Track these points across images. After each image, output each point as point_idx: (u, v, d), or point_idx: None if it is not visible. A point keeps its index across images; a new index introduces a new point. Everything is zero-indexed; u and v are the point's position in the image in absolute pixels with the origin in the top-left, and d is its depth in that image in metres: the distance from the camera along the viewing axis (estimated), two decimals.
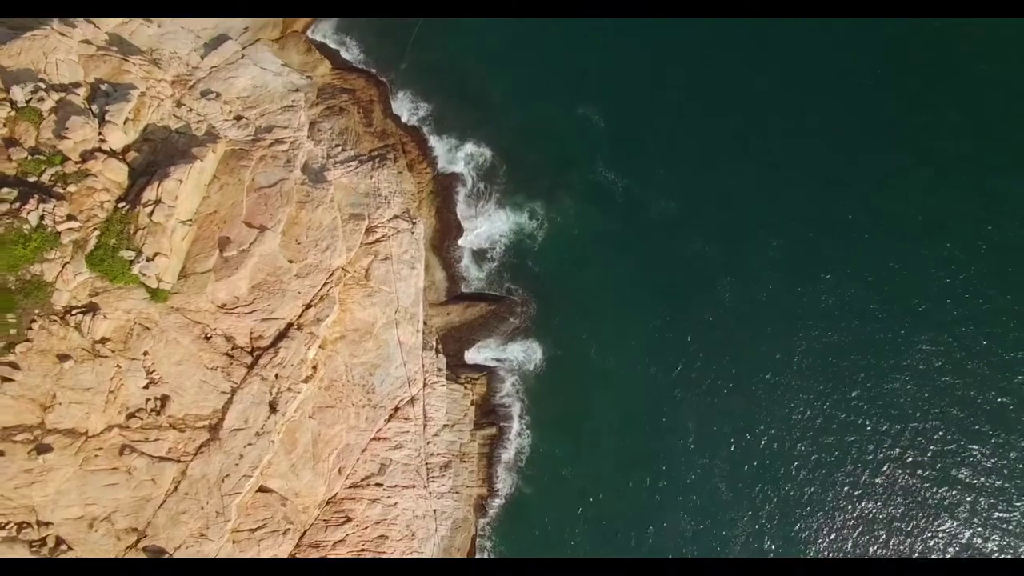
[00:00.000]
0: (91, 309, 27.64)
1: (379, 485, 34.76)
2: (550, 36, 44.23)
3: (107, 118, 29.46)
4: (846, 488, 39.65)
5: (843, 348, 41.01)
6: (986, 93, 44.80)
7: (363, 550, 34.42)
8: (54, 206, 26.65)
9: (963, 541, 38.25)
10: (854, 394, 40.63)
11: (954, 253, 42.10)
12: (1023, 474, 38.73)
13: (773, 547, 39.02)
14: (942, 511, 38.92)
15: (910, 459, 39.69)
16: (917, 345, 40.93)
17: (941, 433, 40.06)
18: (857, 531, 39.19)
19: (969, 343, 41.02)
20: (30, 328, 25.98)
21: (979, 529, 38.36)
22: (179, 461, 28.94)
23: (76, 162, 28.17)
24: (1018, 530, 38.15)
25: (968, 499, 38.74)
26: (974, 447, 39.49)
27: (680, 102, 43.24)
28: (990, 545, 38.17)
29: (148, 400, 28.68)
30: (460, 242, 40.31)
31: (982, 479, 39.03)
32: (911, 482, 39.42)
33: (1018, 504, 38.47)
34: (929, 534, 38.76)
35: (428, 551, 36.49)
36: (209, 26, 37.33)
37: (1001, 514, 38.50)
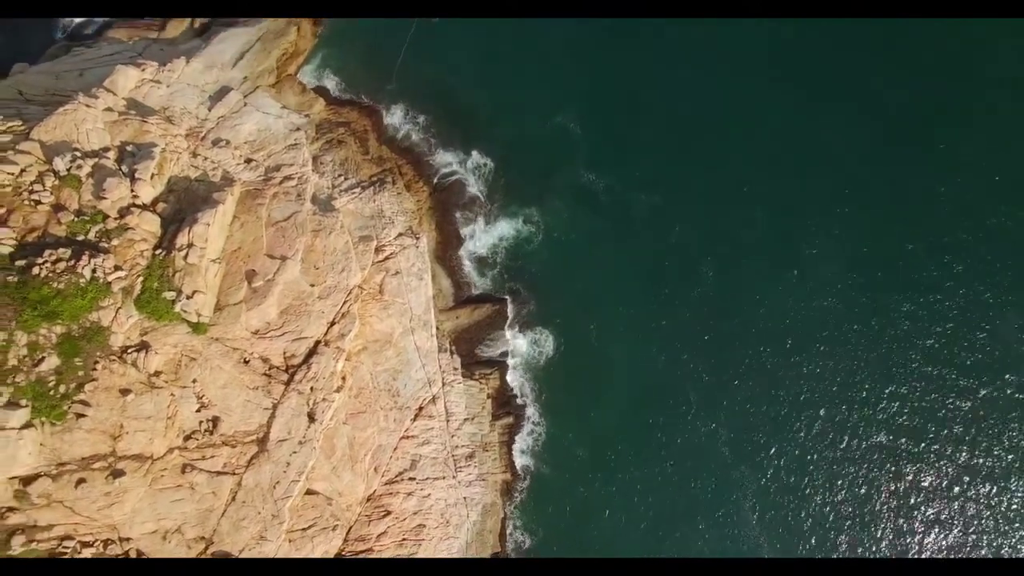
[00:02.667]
0: (143, 347, 31.02)
1: (412, 479, 38.15)
2: (522, 48, 47.23)
3: (136, 176, 32.83)
4: (843, 448, 42.98)
5: (825, 318, 44.43)
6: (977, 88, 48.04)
7: (404, 539, 37.79)
8: (103, 259, 29.99)
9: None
10: (841, 359, 43.97)
11: (939, 233, 45.24)
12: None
13: (775, 501, 42.51)
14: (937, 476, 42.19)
15: (902, 421, 43.02)
16: (899, 316, 44.22)
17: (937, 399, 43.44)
18: (853, 490, 42.77)
19: (960, 315, 44.27)
20: (94, 369, 29.33)
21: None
22: (234, 474, 32.35)
23: (115, 218, 31.54)
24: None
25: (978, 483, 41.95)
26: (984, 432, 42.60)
27: (648, 101, 46.53)
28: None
29: (201, 422, 32.07)
30: (461, 251, 43.72)
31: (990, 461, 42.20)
32: (901, 445, 42.85)
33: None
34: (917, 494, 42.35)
35: (463, 536, 39.81)
36: (211, 80, 40.77)
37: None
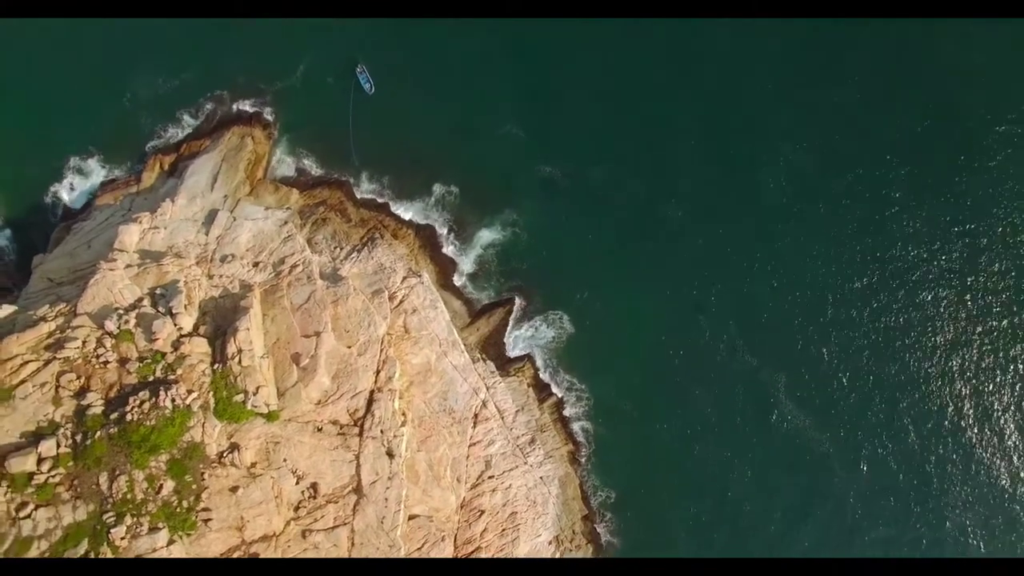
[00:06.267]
0: (234, 447, 35.80)
1: (492, 477, 43.01)
2: (451, 81, 50.85)
3: (173, 311, 37.62)
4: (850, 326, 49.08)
5: (791, 217, 50.02)
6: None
7: (504, 530, 42.68)
8: (175, 389, 34.80)
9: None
10: (819, 247, 49.79)
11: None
12: None
13: (805, 386, 47.54)
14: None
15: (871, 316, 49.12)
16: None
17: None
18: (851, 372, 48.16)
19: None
20: (203, 479, 34.18)
21: None
22: (345, 524, 37.16)
23: (172, 352, 36.43)
24: None
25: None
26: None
27: (575, 92, 50.80)
28: None
29: (303, 492, 36.89)
30: (458, 272, 48.45)
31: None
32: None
33: None
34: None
35: (551, 511, 44.69)
36: (198, 209, 45.50)
37: None
